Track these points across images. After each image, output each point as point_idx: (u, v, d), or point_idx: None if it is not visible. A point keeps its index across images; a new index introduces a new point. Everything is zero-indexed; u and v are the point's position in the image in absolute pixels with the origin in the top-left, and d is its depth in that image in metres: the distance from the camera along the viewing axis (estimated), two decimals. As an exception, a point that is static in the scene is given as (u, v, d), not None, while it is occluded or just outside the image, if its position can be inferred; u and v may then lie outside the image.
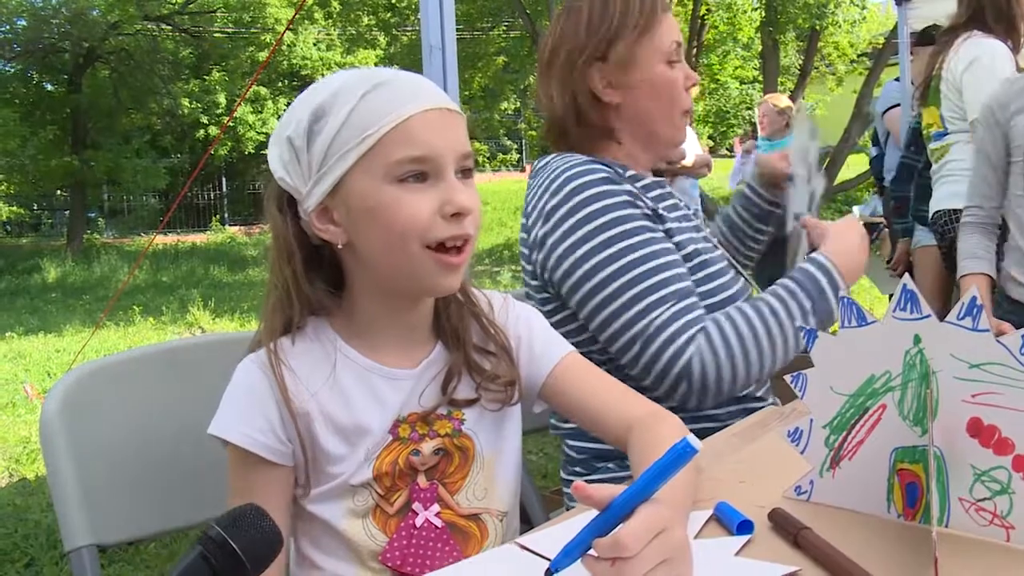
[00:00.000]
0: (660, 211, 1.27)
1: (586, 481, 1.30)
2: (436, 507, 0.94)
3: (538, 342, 1.02)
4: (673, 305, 1.16)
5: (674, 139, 1.37)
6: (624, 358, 1.19)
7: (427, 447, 0.93)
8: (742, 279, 1.37)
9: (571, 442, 1.34)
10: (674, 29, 1.32)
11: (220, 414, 0.92)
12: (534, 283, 1.30)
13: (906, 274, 0.77)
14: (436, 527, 0.93)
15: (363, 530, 0.92)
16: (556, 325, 1.21)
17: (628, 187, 1.23)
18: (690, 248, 1.27)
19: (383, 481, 0.92)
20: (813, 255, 1.24)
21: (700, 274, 1.26)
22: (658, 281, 1.17)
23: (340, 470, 0.91)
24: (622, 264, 1.17)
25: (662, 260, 1.18)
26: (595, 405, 0.98)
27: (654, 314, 1.15)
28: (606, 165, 1.26)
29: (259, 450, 0.89)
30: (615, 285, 1.17)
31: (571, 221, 1.21)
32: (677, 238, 1.27)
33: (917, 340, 0.74)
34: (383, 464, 0.92)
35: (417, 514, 0.93)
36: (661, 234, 1.23)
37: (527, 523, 1.36)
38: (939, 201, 2.67)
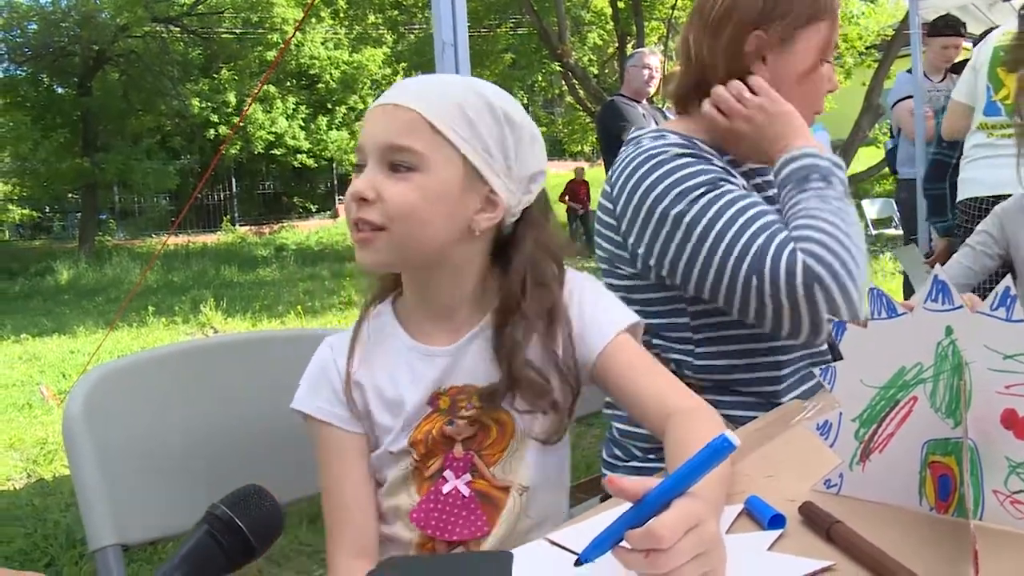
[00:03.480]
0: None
1: (623, 464, 1.32)
2: (468, 476, 0.98)
3: (588, 320, 0.99)
4: (766, 232, 1.14)
5: None
6: (749, 304, 1.15)
7: (462, 418, 0.98)
8: None
9: (618, 425, 1.37)
10: (837, 29, 1.32)
11: (298, 391, 1.03)
12: (614, 241, 1.31)
13: (936, 265, 0.76)
14: (463, 496, 0.98)
15: (404, 491, 1.00)
16: (631, 297, 1.29)
17: (721, 163, 1.24)
18: None
19: (419, 448, 0.98)
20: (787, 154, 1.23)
21: None
22: (748, 219, 1.16)
23: (386, 439, 1.00)
24: (716, 210, 1.17)
25: (750, 201, 1.18)
26: (638, 391, 0.96)
27: (755, 243, 1.13)
28: (704, 146, 1.28)
29: (330, 419, 1.00)
30: (714, 232, 1.16)
31: (665, 183, 1.21)
32: None
33: (949, 331, 0.73)
34: (419, 433, 0.98)
35: (447, 481, 0.98)
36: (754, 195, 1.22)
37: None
38: (1007, 183, 2.57)
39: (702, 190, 1.19)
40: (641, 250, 1.25)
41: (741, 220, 1.15)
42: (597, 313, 1.00)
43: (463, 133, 0.93)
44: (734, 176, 1.25)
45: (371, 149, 0.93)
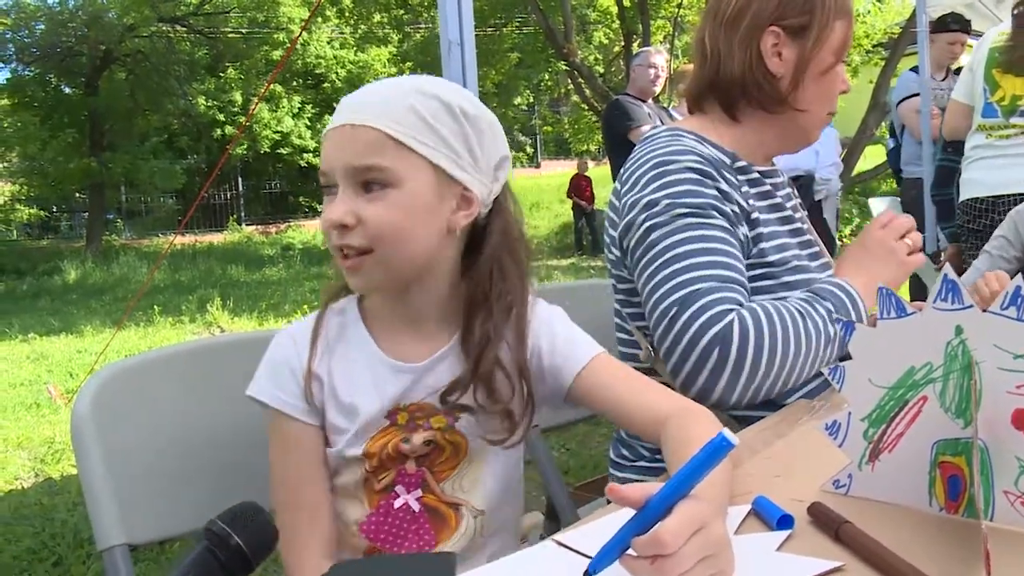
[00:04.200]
0: (754, 214, 1.27)
1: (631, 464, 1.32)
2: (419, 491, 0.99)
3: (560, 347, 1.01)
4: (719, 282, 1.15)
5: (810, 137, 1.38)
6: (659, 328, 1.16)
7: (418, 437, 0.98)
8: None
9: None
10: (851, 30, 1.32)
11: (256, 379, 1.00)
12: (615, 253, 1.32)
13: (946, 264, 0.76)
14: (413, 511, 0.99)
15: (356, 498, 1.00)
16: (628, 303, 1.30)
17: (722, 185, 1.23)
18: (775, 256, 1.27)
19: (372, 460, 0.98)
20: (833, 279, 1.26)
21: (789, 278, 1.26)
22: (711, 261, 1.16)
23: (338, 440, 0.99)
24: (685, 237, 1.18)
25: (723, 247, 1.19)
26: (625, 403, 0.98)
27: (698, 285, 1.14)
28: (715, 149, 1.27)
29: (292, 411, 0.98)
30: (671, 254, 1.17)
31: (659, 195, 1.22)
32: (765, 244, 1.27)
33: (959, 331, 0.73)
34: (374, 445, 0.98)
35: (398, 496, 0.99)
36: (734, 239, 1.22)
37: (555, 520, 1.36)
38: (1007, 183, 2.58)
39: (688, 210, 1.19)
40: (623, 245, 1.27)
41: (703, 258, 1.16)
42: (573, 336, 1.02)
43: (426, 139, 0.93)
44: (728, 202, 1.24)
45: (339, 172, 0.92)
